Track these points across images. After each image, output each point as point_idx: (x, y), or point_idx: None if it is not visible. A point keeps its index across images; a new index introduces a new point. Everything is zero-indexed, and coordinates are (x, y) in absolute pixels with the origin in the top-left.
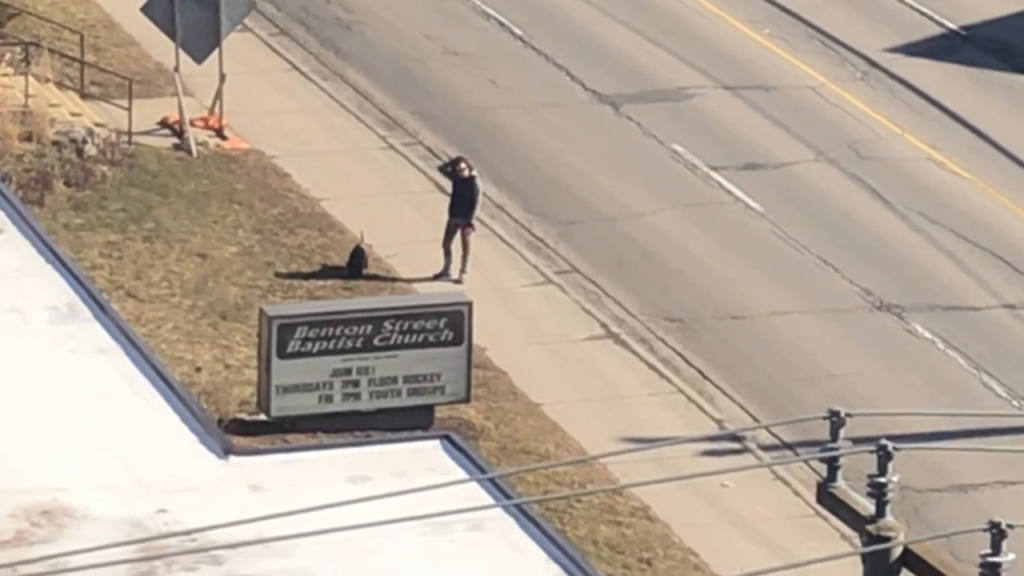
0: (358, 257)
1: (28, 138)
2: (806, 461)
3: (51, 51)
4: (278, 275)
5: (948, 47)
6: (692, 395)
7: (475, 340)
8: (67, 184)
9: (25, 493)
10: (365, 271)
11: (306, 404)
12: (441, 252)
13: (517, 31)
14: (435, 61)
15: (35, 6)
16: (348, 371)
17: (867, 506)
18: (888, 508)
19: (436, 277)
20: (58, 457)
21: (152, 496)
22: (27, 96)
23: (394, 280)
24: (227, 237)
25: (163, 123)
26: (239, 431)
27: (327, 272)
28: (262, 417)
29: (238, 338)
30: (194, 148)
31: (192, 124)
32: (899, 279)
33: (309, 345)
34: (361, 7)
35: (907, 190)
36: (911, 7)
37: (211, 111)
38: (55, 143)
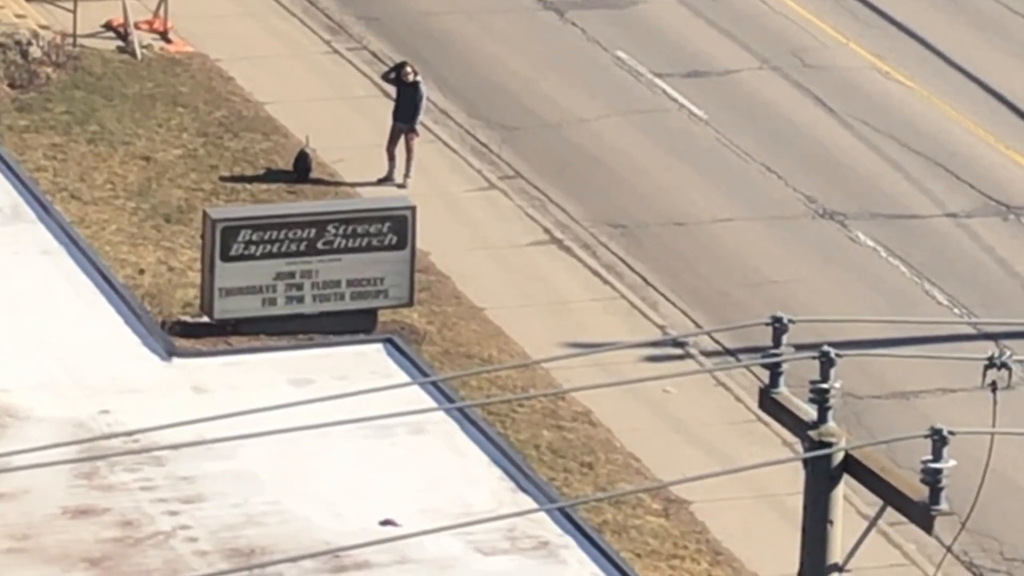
0: (303, 161)
1: None
2: (748, 367)
3: None
4: (222, 178)
5: None
6: (635, 301)
7: (419, 244)
8: (11, 86)
9: None
10: (310, 175)
11: (249, 307)
12: (385, 157)
13: None
14: None
15: None
16: (291, 274)
17: (809, 412)
18: (830, 414)
19: (380, 182)
20: (1, 358)
21: (95, 397)
22: None
23: (338, 184)
24: (171, 140)
25: (108, 26)
26: (182, 333)
27: (271, 176)
28: (205, 319)
29: (181, 240)
30: (139, 51)
31: (137, 27)
32: (842, 187)
33: (252, 248)
34: None
35: (851, 99)
36: None
37: (156, 14)
38: (0, 45)
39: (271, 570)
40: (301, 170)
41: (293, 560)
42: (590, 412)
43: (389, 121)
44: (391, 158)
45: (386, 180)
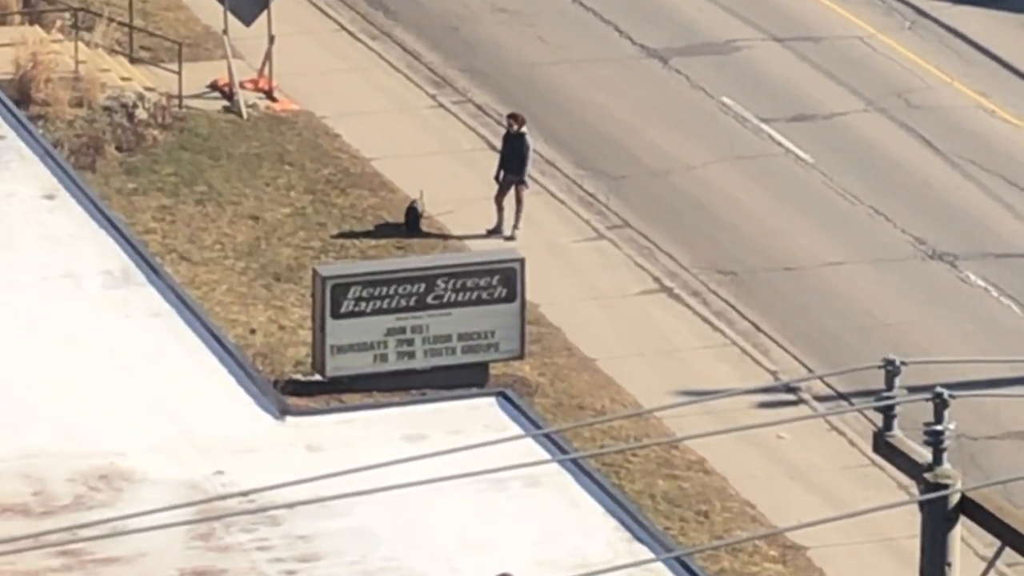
0: (412, 214)
1: (79, 104)
2: (861, 411)
3: (100, 16)
4: (331, 236)
5: None
6: (746, 347)
7: (528, 296)
8: (119, 149)
9: (83, 457)
10: (419, 227)
11: (361, 363)
12: (494, 208)
13: None
14: (483, 19)
15: None
16: (402, 330)
17: (924, 454)
18: (945, 456)
19: (489, 233)
20: (115, 421)
21: (209, 458)
22: (77, 62)
23: (446, 238)
24: (279, 199)
25: (213, 86)
26: (295, 392)
27: (380, 231)
28: (317, 377)
29: (292, 299)
30: (244, 110)
31: (242, 86)
32: (951, 227)
33: (363, 304)
34: None
35: (957, 138)
36: None
37: (260, 73)
38: (106, 108)
39: None
40: (411, 222)
41: None
42: (704, 460)
43: (494, 174)
44: (500, 209)
45: (495, 231)
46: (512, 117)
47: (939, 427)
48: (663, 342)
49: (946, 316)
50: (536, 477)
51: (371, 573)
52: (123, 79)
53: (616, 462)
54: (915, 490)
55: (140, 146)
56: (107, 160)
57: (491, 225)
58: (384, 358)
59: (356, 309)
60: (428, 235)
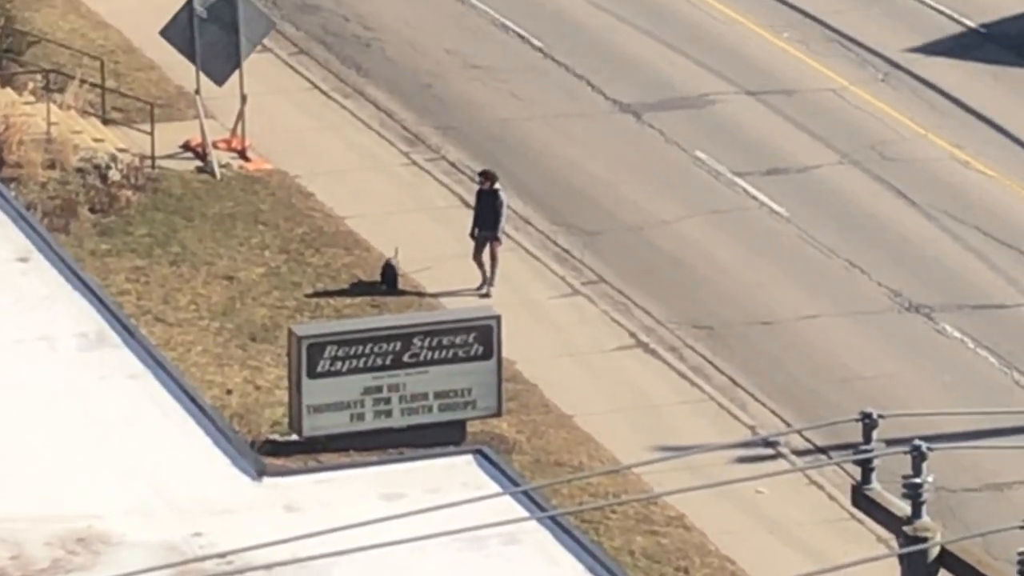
0: (389, 272)
1: (51, 165)
2: (840, 464)
3: (72, 78)
4: (306, 295)
5: (968, 45)
6: (723, 402)
7: (505, 354)
8: (92, 210)
9: (60, 521)
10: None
11: (338, 423)
12: (474, 266)
13: (536, 43)
14: (455, 75)
15: (54, 33)
16: (379, 389)
17: (903, 507)
18: (924, 509)
19: (477, 291)
20: (92, 484)
21: (187, 520)
22: (49, 123)
23: (421, 295)
24: (253, 258)
25: (186, 146)
26: (272, 452)
27: (355, 290)
28: (294, 437)
29: (268, 359)
30: (217, 170)
31: (215, 146)
32: (927, 279)
33: (339, 364)
34: (380, 24)
35: (932, 190)
36: (930, 7)
37: (233, 133)
38: (79, 170)
39: None
40: (389, 280)
41: None
42: (683, 516)
43: (469, 231)
44: (480, 266)
45: (481, 288)
46: (483, 175)
47: (918, 480)
48: (640, 398)
49: (923, 368)
50: (515, 535)
51: None
52: (96, 140)
53: (595, 519)
54: (894, 543)
55: (113, 207)
56: (80, 222)
57: (476, 283)
58: (361, 417)
59: (332, 368)
60: (403, 293)
